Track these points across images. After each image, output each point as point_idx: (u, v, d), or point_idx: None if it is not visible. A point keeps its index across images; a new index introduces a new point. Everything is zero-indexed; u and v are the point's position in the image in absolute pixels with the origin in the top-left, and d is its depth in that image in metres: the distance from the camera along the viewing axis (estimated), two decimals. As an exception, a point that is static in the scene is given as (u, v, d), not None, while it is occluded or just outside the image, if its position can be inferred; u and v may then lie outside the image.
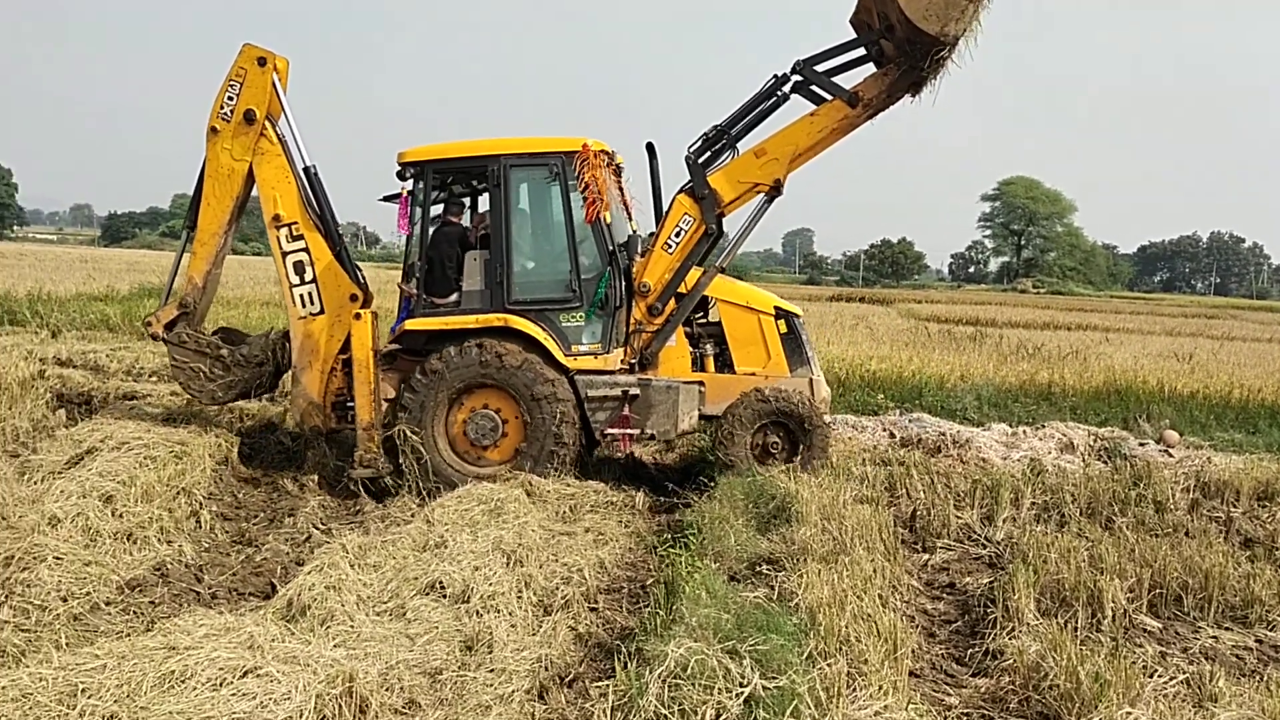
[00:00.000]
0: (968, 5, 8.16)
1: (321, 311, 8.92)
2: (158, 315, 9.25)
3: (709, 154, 9.10)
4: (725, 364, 9.28)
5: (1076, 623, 5.89)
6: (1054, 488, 9.01)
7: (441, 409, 8.73)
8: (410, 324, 8.87)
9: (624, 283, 8.99)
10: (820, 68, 8.85)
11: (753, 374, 9.13)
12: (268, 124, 8.86)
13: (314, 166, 8.93)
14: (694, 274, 9.14)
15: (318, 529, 7.67)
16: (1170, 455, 10.83)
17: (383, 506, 8.24)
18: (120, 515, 6.93)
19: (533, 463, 8.63)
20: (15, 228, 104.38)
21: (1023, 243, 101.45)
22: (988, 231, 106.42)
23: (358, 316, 8.75)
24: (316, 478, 8.92)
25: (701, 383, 9.10)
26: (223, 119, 8.82)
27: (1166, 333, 30.07)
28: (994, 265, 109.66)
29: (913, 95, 8.78)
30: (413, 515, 7.73)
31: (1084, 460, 10.70)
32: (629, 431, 8.87)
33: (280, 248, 8.90)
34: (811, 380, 9.19)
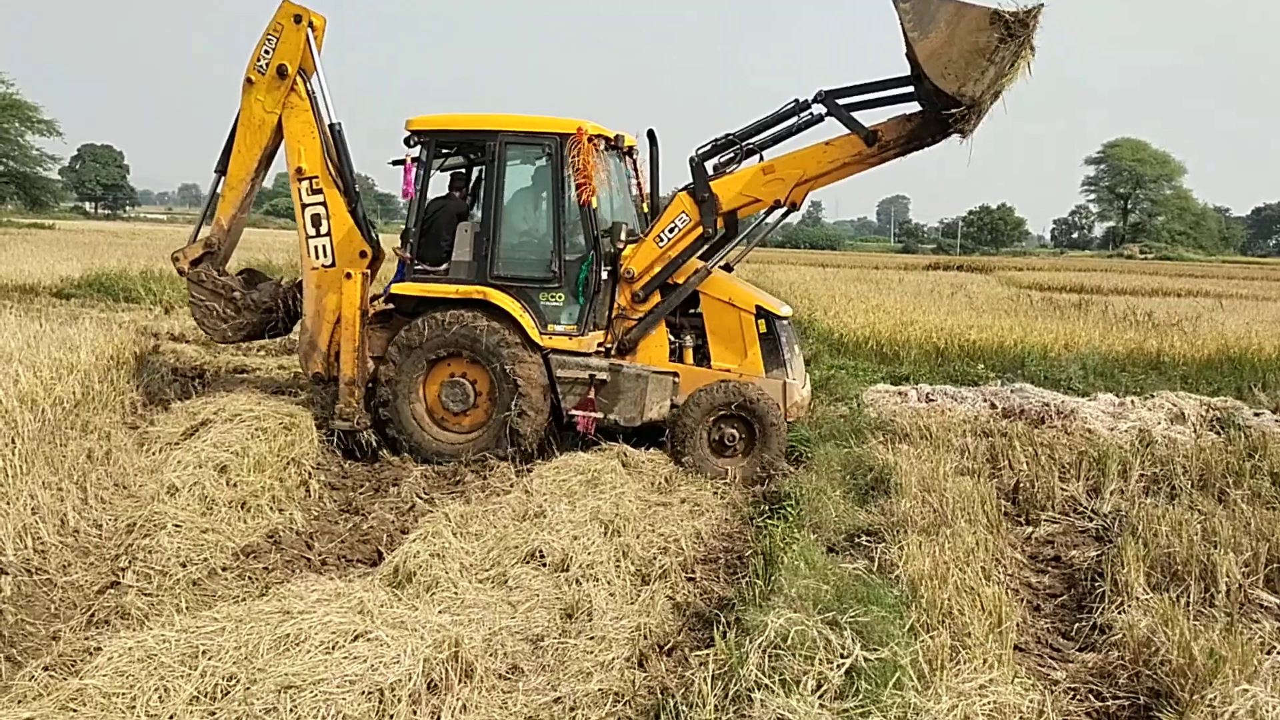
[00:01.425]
0: (988, 67, 7.87)
1: (333, 264, 9.16)
2: (185, 251, 9.65)
3: (716, 159, 9.00)
4: (704, 357, 9.16)
5: (1189, 597, 5.72)
6: (1164, 459, 8.74)
7: (420, 372, 8.92)
8: (397, 288, 9.11)
9: (607, 268, 9.00)
10: (848, 100, 8.66)
11: (728, 370, 9.00)
12: (299, 79, 9.09)
13: (339, 124, 9.18)
14: (690, 267, 9.07)
15: (421, 498, 7.83)
16: (1288, 426, 10.42)
17: (483, 477, 8.38)
18: (234, 484, 7.19)
19: (497, 435, 8.74)
20: (127, 208, 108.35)
21: (1129, 207, 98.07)
22: (1092, 196, 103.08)
23: (348, 276, 8.95)
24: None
25: (676, 373, 9.01)
26: (258, 71, 9.09)
27: (1284, 298, 28.82)
28: (1099, 230, 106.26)
29: (961, 136, 8.37)
30: (511, 485, 7.86)
31: (1195, 431, 10.35)
32: (593, 415, 8.88)
33: (300, 200, 9.20)
34: (785, 384, 8.97)
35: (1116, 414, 10.88)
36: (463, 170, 9.84)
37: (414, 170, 9.04)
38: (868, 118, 8.62)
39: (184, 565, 6.06)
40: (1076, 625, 5.64)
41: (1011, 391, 11.60)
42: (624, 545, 6.48)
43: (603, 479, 7.66)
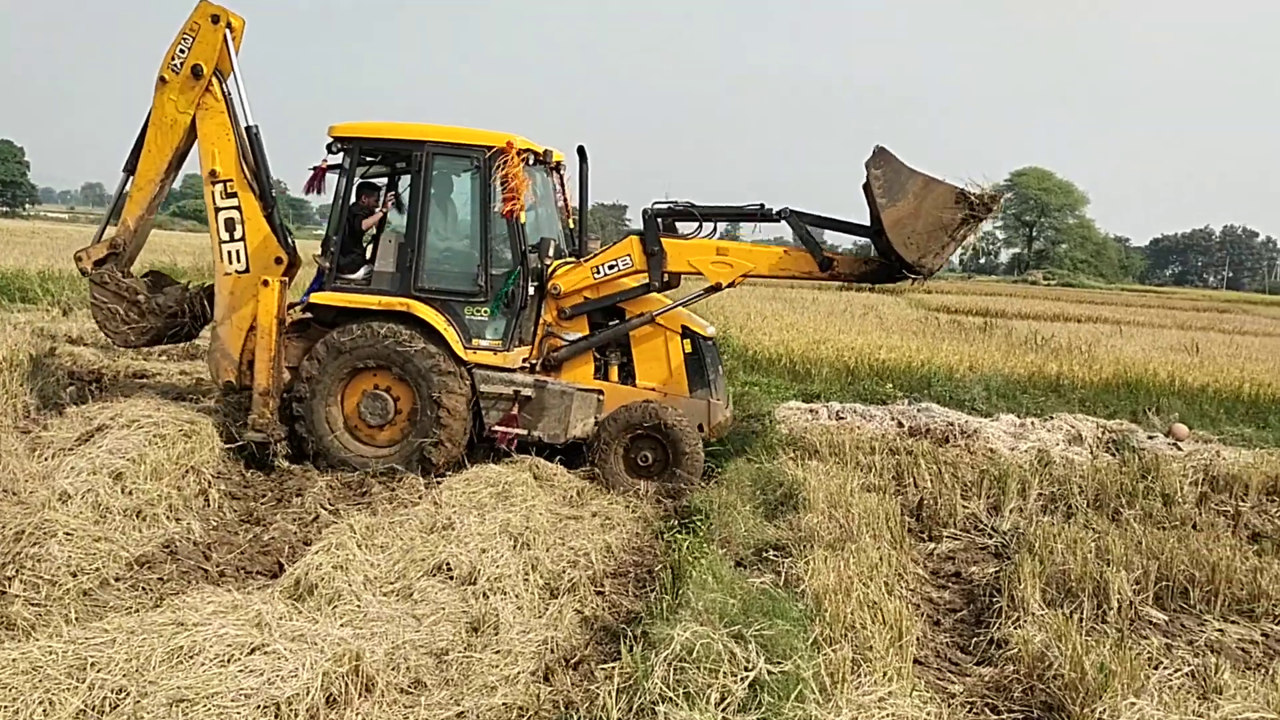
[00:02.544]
0: (948, 243, 8.36)
1: (247, 270, 8.97)
2: (88, 251, 9.35)
3: (670, 218, 9.17)
4: (629, 375, 9.22)
5: (1082, 613, 5.89)
6: (1061, 479, 8.99)
7: (338, 384, 8.75)
8: (317, 297, 8.92)
9: (533, 283, 8.95)
10: (810, 222, 9.03)
11: (652, 389, 9.07)
12: (215, 80, 8.90)
13: (256, 127, 9.00)
14: (637, 305, 9.14)
15: (325, 509, 7.68)
16: (1179, 448, 10.80)
17: (390, 488, 8.25)
18: (130, 492, 6.96)
19: (418, 450, 8.58)
20: (27, 206, 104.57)
21: (1034, 234, 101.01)
22: (999, 222, 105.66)
23: (265, 283, 8.74)
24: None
25: (600, 391, 9.01)
26: (172, 70, 8.87)
27: (1178, 326, 29.94)
28: (1005, 256, 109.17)
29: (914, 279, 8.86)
30: (420, 497, 7.75)
31: (1092, 452, 10.66)
32: (516, 431, 8.80)
33: (214, 203, 8.98)
34: (710, 404, 9.08)
35: (1017, 434, 11.16)
36: (374, 181, 9.67)
37: (326, 175, 8.89)
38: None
39: (74, 575, 5.84)
40: (974, 640, 5.77)
41: (918, 411, 11.82)
42: (533, 558, 6.43)
43: (514, 492, 7.60)
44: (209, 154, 8.95)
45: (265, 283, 8.72)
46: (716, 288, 9.17)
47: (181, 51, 8.83)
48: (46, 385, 9.75)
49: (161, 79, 8.92)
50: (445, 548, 6.31)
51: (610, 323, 9.33)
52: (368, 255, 9.17)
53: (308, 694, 4.16)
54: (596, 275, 9.03)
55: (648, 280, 8.99)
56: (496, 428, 8.80)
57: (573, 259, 9.49)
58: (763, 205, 9.09)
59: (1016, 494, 8.49)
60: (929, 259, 8.35)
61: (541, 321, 9.10)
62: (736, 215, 9.36)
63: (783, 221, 9.11)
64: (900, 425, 11.30)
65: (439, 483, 7.97)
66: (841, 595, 5.40)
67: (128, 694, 4.00)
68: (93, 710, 3.96)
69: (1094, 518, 7.94)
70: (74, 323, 15.71)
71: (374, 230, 9.21)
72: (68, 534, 6.17)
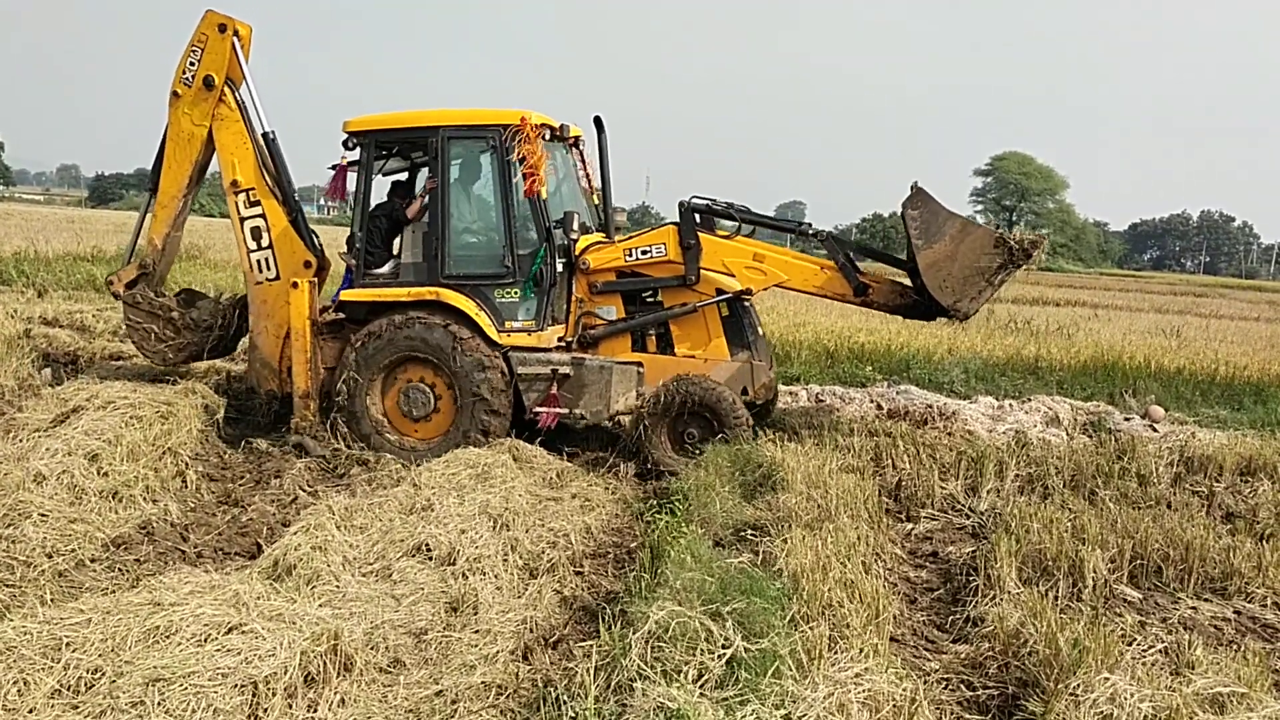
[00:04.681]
0: (984, 288, 8.37)
1: (277, 277, 9.00)
2: (119, 275, 9.41)
3: (708, 215, 9.14)
4: (667, 344, 9.19)
5: (1057, 592, 5.94)
6: (1038, 460, 9.04)
7: (376, 380, 8.72)
8: (346, 294, 8.89)
9: (561, 260, 8.88)
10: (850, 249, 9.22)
11: (692, 357, 9.05)
12: (227, 90, 8.92)
13: (273, 133, 9.02)
14: (676, 296, 9.11)
15: (304, 491, 7.66)
16: (1155, 430, 10.89)
17: (369, 470, 8.23)
18: (106, 474, 6.93)
19: (461, 439, 8.54)
20: (2, 188, 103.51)
21: (1014, 219, 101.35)
22: (979, 207, 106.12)
23: (295, 285, 8.75)
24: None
25: (640, 363, 8.99)
26: (184, 84, 8.88)
27: (1155, 310, 30.15)
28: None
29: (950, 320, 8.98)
30: (399, 479, 7.73)
31: (1069, 433, 10.74)
32: (558, 410, 8.76)
33: (238, 213, 8.99)
34: (752, 365, 9.07)
35: (995, 416, 11.23)
36: (405, 178, 9.59)
37: (348, 173, 8.83)
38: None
39: (50, 556, 5.83)
40: (951, 618, 5.81)
41: (897, 393, 11.88)
42: (513, 539, 6.43)
43: (493, 473, 7.59)
44: (229, 164, 8.96)
45: (295, 284, 8.73)
46: (747, 292, 9.10)
47: (192, 64, 8.84)
48: (21, 367, 9.68)
49: (174, 93, 8.93)
50: (424, 528, 6.30)
51: (645, 295, 9.31)
52: (396, 249, 9.03)
53: (286, 673, 4.15)
54: (629, 257, 9.00)
55: (683, 273, 8.95)
56: (538, 408, 8.75)
57: (600, 234, 9.46)
58: (800, 224, 9.22)
59: (994, 475, 8.54)
60: (964, 303, 8.37)
61: (574, 298, 9.05)
62: (775, 226, 9.52)
63: (820, 243, 9.21)
64: (879, 407, 11.35)
65: (418, 465, 7.96)
66: (819, 574, 5.42)
67: (103, 674, 3.98)
68: (68, 690, 3.94)
69: (1070, 498, 7.98)
70: (49, 304, 15.61)
71: (423, 217, 8.97)
72: (43, 515, 6.16)
